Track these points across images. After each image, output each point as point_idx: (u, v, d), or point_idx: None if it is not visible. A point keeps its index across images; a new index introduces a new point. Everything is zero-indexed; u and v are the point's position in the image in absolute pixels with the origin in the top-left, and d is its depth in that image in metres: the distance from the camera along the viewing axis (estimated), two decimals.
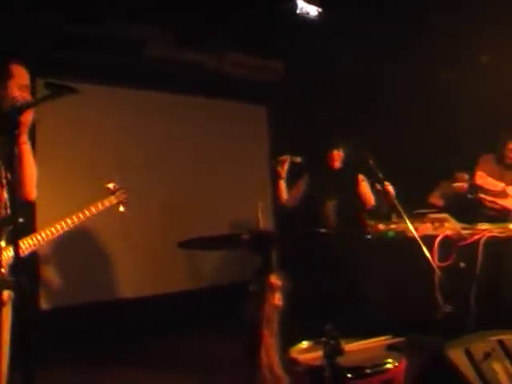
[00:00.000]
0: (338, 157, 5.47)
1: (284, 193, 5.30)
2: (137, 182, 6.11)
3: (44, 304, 5.96)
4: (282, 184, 5.26)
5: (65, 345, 5.25)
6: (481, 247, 4.73)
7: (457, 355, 2.85)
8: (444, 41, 6.44)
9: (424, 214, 5.55)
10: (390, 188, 5.08)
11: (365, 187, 5.44)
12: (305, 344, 2.83)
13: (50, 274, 6.00)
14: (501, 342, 3.06)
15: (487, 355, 2.93)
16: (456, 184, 5.81)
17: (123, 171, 5.85)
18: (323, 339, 2.33)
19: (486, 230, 4.93)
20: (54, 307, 5.98)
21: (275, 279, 2.15)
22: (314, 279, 5.83)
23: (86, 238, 6.10)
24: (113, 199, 3.84)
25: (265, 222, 6.39)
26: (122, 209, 3.93)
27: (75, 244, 5.63)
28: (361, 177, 5.47)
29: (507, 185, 5.70)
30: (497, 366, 2.92)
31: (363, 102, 7.49)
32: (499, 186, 5.63)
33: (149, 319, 6.19)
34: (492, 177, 5.81)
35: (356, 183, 5.45)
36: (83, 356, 5.32)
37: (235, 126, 7.56)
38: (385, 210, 5.65)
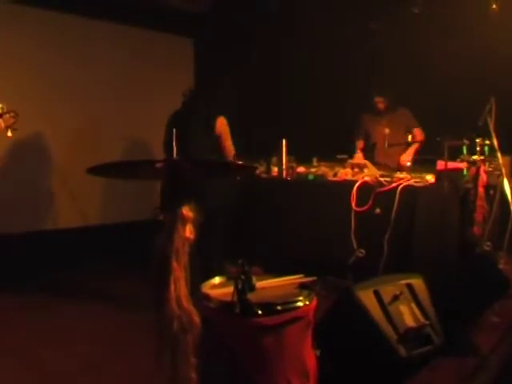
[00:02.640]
0: None
1: None
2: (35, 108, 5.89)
3: None
4: None
5: None
6: (397, 195, 4.82)
7: (366, 296, 2.91)
8: None
9: (345, 160, 5.60)
10: None
11: None
12: (217, 279, 2.80)
13: None
14: (409, 286, 3.14)
15: (395, 297, 3.00)
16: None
17: (19, 96, 5.58)
18: (235, 275, 2.30)
19: (404, 178, 5.02)
20: None
21: (187, 211, 2.07)
22: (235, 216, 5.84)
23: None
24: (0, 123, 3.58)
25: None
26: (9, 134, 3.67)
27: None
28: None
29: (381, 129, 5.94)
30: (403, 308, 3.00)
31: (285, 45, 7.44)
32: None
33: (55, 253, 6.00)
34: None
35: None
36: None
37: (160, 57, 7.35)
38: None
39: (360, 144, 6.40)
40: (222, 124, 5.20)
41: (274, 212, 5.63)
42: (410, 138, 5.79)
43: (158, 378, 2.27)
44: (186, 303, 2.11)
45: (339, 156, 5.77)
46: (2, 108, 3.65)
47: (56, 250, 6.03)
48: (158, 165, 2.07)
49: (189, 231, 2.09)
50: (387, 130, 5.68)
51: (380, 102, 6.12)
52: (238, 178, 5.42)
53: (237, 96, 7.40)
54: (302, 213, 5.42)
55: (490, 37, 6.12)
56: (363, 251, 4.98)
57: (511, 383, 3.42)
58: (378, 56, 6.93)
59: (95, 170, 2.16)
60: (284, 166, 5.68)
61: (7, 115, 3.66)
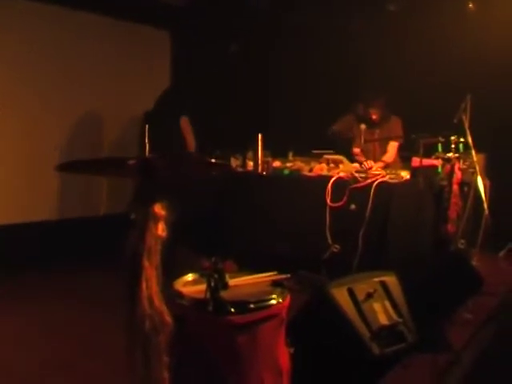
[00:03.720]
0: None
1: None
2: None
3: None
4: None
5: None
6: (372, 191, 4.82)
7: (340, 294, 2.90)
8: None
9: (321, 155, 5.59)
10: None
11: None
12: (190, 276, 2.77)
13: None
14: (382, 283, 3.14)
15: (369, 295, 3.00)
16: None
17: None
18: (208, 272, 2.27)
19: (379, 174, 5.03)
20: None
21: (159, 208, 2.04)
22: (209, 213, 5.82)
23: None
24: None
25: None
26: None
27: None
28: None
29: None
30: (377, 306, 3.00)
31: (269, 39, 7.40)
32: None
33: (24, 249, 5.91)
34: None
35: None
36: None
37: (137, 48, 7.27)
38: None
39: (356, 151, 6.21)
40: (184, 123, 5.73)
41: (249, 206, 5.61)
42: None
43: (130, 377, 2.24)
44: (158, 302, 2.08)
45: (315, 151, 5.76)
46: None
47: (27, 245, 5.92)
48: (131, 162, 2.02)
49: (161, 229, 2.06)
50: (363, 126, 5.70)
51: (374, 114, 6.00)
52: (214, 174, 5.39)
53: (213, 89, 7.35)
54: (278, 208, 5.40)
55: (466, 35, 6.18)
56: (338, 247, 4.98)
57: (484, 379, 3.44)
58: (355, 53, 6.94)
59: (65, 168, 2.11)
60: (259, 161, 5.66)
61: None
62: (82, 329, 4.24)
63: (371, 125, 5.98)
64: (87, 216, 6.75)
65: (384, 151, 6.00)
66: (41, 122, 6.38)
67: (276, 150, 5.89)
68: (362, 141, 5.66)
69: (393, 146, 5.99)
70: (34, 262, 5.72)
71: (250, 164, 5.83)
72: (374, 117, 5.99)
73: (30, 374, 3.48)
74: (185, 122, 5.79)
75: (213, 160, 2.37)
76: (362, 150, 6.03)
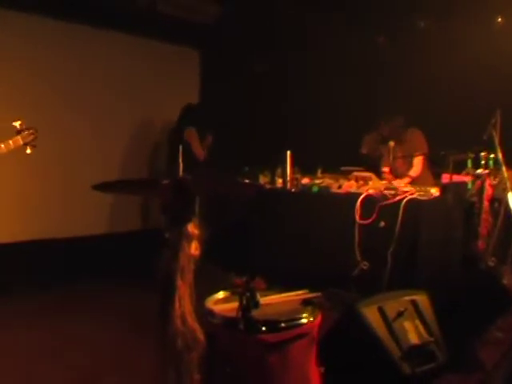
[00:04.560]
0: None
1: None
2: (50, 121, 5.89)
3: None
4: None
5: None
6: (402, 208, 4.80)
7: (370, 312, 2.90)
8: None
9: (350, 172, 5.59)
10: None
11: None
12: (221, 294, 2.80)
13: None
14: (413, 302, 3.13)
15: (399, 314, 2.99)
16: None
17: (35, 110, 5.66)
18: (239, 290, 2.30)
19: (408, 191, 5.01)
20: None
21: (192, 228, 2.07)
22: (238, 230, 5.85)
23: None
24: (19, 140, 3.57)
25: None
26: (28, 151, 3.65)
27: None
28: None
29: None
30: (408, 325, 2.99)
31: (296, 56, 7.45)
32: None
33: (53, 264, 5.98)
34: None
35: None
36: None
37: (167, 67, 7.36)
38: None
39: (385, 170, 6.15)
40: (189, 134, 5.97)
41: (278, 223, 5.62)
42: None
43: None
44: (191, 320, 2.10)
45: (343, 168, 5.76)
46: (21, 124, 3.63)
47: (55, 261, 6.00)
48: (164, 182, 2.06)
49: (194, 248, 2.09)
50: (392, 144, 5.69)
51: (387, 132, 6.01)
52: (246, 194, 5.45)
53: (242, 107, 7.41)
54: (307, 224, 5.40)
55: (495, 50, 6.13)
56: (367, 264, 4.95)
57: None
58: (383, 69, 6.94)
59: (102, 187, 2.16)
60: (288, 178, 5.68)
61: (26, 132, 3.64)
62: (113, 344, 4.28)
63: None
64: (115, 231, 6.80)
65: (409, 166, 5.95)
66: (77, 137, 6.51)
67: (305, 166, 5.91)
68: (391, 158, 5.64)
69: (418, 160, 5.92)
70: (64, 277, 5.80)
71: (279, 181, 5.85)
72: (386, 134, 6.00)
73: None
74: (190, 133, 5.98)
75: (246, 180, 2.38)
76: (390, 169, 6.00)
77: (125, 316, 4.88)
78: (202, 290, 2.68)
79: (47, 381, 3.61)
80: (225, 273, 4.86)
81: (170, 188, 2.08)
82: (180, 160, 2.13)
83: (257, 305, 2.29)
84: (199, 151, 6.16)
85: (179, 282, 2.05)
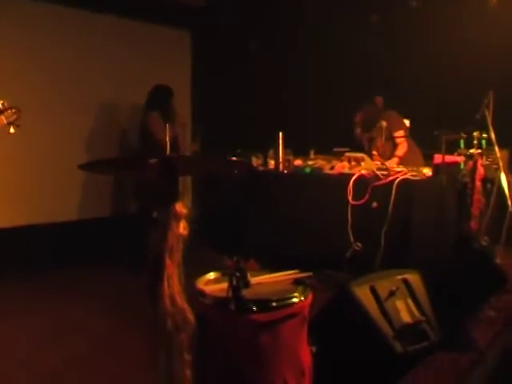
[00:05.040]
0: None
1: None
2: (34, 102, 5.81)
3: None
4: None
5: None
6: (394, 188, 4.80)
7: (362, 292, 2.89)
8: None
9: (341, 153, 5.57)
10: None
11: None
12: (212, 275, 2.78)
13: None
14: (405, 281, 3.12)
15: (391, 293, 2.98)
16: None
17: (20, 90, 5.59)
18: (229, 271, 2.28)
19: (401, 172, 5.00)
20: None
21: (180, 207, 2.05)
22: (231, 212, 5.84)
23: None
24: (2, 119, 3.54)
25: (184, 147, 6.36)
26: (12, 130, 3.62)
27: None
28: None
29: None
30: (400, 304, 2.98)
31: (288, 37, 7.39)
32: None
33: (45, 249, 5.92)
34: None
35: None
36: None
37: (157, 49, 7.28)
38: None
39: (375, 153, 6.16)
40: (152, 119, 5.74)
41: (271, 205, 5.62)
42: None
43: (153, 375, 2.25)
44: (180, 301, 2.09)
45: (336, 149, 5.74)
46: (3, 104, 3.59)
47: (44, 246, 5.97)
48: (152, 161, 2.04)
49: (182, 227, 2.07)
50: (384, 124, 5.67)
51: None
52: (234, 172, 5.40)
53: (233, 88, 7.37)
54: (299, 206, 5.40)
55: (488, 30, 6.10)
56: (360, 244, 4.97)
57: (508, 377, 3.40)
58: (376, 50, 6.90)
59: (88, 167, 2.13)
60: (280, 159, 5.66)
61: (9, 111, 3.60)
62: (102, 327, 4.27)
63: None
64: (103, 216, 6.76)
65: (394, 147, 5.92)
66: (63, 122, 6.41)
67: (297, 148, 5.89)
68: (383, 139, 5.63)
69: (399, 138, 5.91)
70: (54, 262, 5.77)
71: (272, 162, 5.83)
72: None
73: (51, 371, 3.51)
74: (152, 118, 5.75)
75: (232, 158, 2.36)
76: (379, 150, 5.98)
77: (115, 300, 4.84)
78: (195, 270, 2.68)
79: (41, 364, 3.59)
80: (218, 254, 4.85)
81: (157, 167, 2.06)
82: (167, 138, 2.11)
83: (247, 285, 2.27)
84: (162, 137, 5.27)
85: (168, 262, 2.03)
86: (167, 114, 5.72)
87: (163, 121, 5.62)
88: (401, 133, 5.86)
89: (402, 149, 5.87)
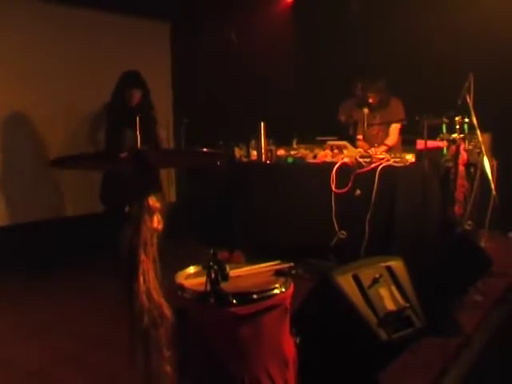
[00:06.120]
0: None
1: None
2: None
3: None
4: None
5: None
6: (377, 175, 4.78)
7: (345, 280, 2.86)
8: None
9: (324, 141, 5.55)
10: None
11: None
12: (192, 269, 2.74)
13: None
14: (389, 268, 3.10)
15: (375, 281, 2.96)
16: None
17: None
18: (207, 264, 2.24)
19: (383, 158, 4.99)
20: None
21: (154, 201, 2.01)
22: (216, 205, 5.80)
23: None
24: None
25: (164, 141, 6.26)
26: None
27: None
28: None
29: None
30: (383, 291, 2.95)
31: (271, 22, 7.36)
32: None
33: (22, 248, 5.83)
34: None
35: None
36: None
37: (136, 42, 7.18)
38: None
39: (359, 137, 6.02)
40: None
41: (255, 196, 5.59)
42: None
43: (132, 372, 2.22)
44: (157, 296, 2.05)
45: (319, 138, 5.71)
46: None
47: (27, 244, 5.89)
48: (123, 155, 1.99)
49: (157, 222, 2.03)
50: (366, 111, 5.62)
51: (371, 98, 5.81)
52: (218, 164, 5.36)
53: (214, 80, 7.31)
54: (283, 196, 5.38)
55: (467, 13, 6.09)
56: (345, 233, 4.96)
57: (495, 361, 3.41)
58: (356, 33, 6.87)
59: (58, 163, 2.08)
60: (263, 150, 5.63)
61: None
62: (87, 323, 4.24)
63: (371, 109, 5.80)
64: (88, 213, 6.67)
65: (386, 135, 5.91)
66: (42, 114, 6.34)
67: (280, 138, 5.85)
68: (366, 126, 5.59)
69: (394, 129, 5.86)
70: (36, 261, 5.70)
71: (254, 153, 5.80)
72: (371, 100, 5.79)
73: (37, 367, 3.48)
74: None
75: (209, 150, 2.32)
76: (364, 136, 5.91)
77: (94, 296, 4.82)
78: (179, 264, 2.65)
79: (29, 362, 3.55)
80: (205, 247, 4.82)
81: (129, 161, 2.01)
82: (138, 132, 2.07)
83: (226, 277, 2.23)
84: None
85: (142, 257, 2.00)
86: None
87: None
88: (398, 126, 5.84)
89: (393, 139, 5.87)
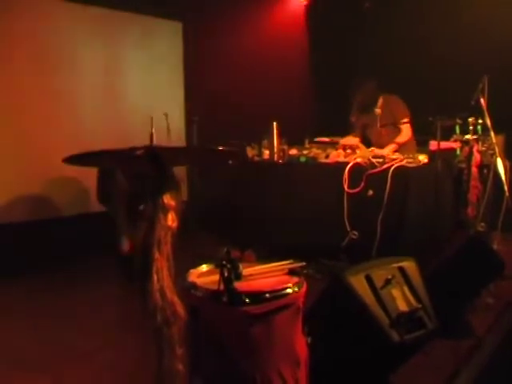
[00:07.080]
0: None
1: None
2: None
3: None
4: None
5: None
6: (390, 176, 4.76)
7: (357, 281, 2.85)
8: None
9: (323, 143, 5.54)
10: None
11: None
12: (205, 267, 2.75)
13: None
14: (401, 269, 3.08)
15: (387, 281, 2.95)
16: None
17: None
18: (221, 262, 2.24)
19: (396, 159, 4.97)
20: None
21: (168, 199, 2.01)
22: (227, 201, 5.80)
23: None
24: None
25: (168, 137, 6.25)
26: None
27: None
28: None
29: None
30: (395, 292, 2.94)
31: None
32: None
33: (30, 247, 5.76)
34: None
35: None
36: None
37: (149, 41, 7.18)
38: None
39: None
40: None
41: (266, 196, 5.58)
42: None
43: (145, 369, 2.23)
44: (170, 294, 2.06)
45: (317, 139, 5.72)
46: None
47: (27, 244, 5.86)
48: (138, 152, 1.99)
49: (171, 220, 2.03)
50: (379, 111, 5.60)
51: (360, 99, 5.87)
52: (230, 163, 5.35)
53: (227, 79, 7.31)
54: (295, 196, 5.36)
55: (483, 15, 6.05)
56: (356, 233, 4.94)
57: (506, 364, 3.39)
58: (370, 35, 6.85)
59: (73, 160, 2.09)
60: (275, 149, 5.62)
61: None
62: (101, 320, 4.24)
63: (361, 110, 5.87)
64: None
65: (396, 134, 5.83)
66: (50, 118, 6.34)
67: (292, 137, 5.84)
68: (378, 125, 5.57)
69: (407, 126, 5.77)
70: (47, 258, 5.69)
71: (266, 153, 5.79)
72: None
73: (45, 363, 3.48)
74: None
75: (222, 148, 2.32)
76: (371, 139, 5.88)
77: (110, 293, 4.81)
78: (193, 262, 2.65)
79: (38, 359, 3.56)
80: (217, 246, 4.82)
81: (144, 158, 2.02)
82: (152, 129, 2.07)
83: (239, 276, 2.23)
84: None
85: (156, 255, 2.00)
86: None
87: None
88: (406, 120, 5.77)
89: (405, 136, 5.76)
